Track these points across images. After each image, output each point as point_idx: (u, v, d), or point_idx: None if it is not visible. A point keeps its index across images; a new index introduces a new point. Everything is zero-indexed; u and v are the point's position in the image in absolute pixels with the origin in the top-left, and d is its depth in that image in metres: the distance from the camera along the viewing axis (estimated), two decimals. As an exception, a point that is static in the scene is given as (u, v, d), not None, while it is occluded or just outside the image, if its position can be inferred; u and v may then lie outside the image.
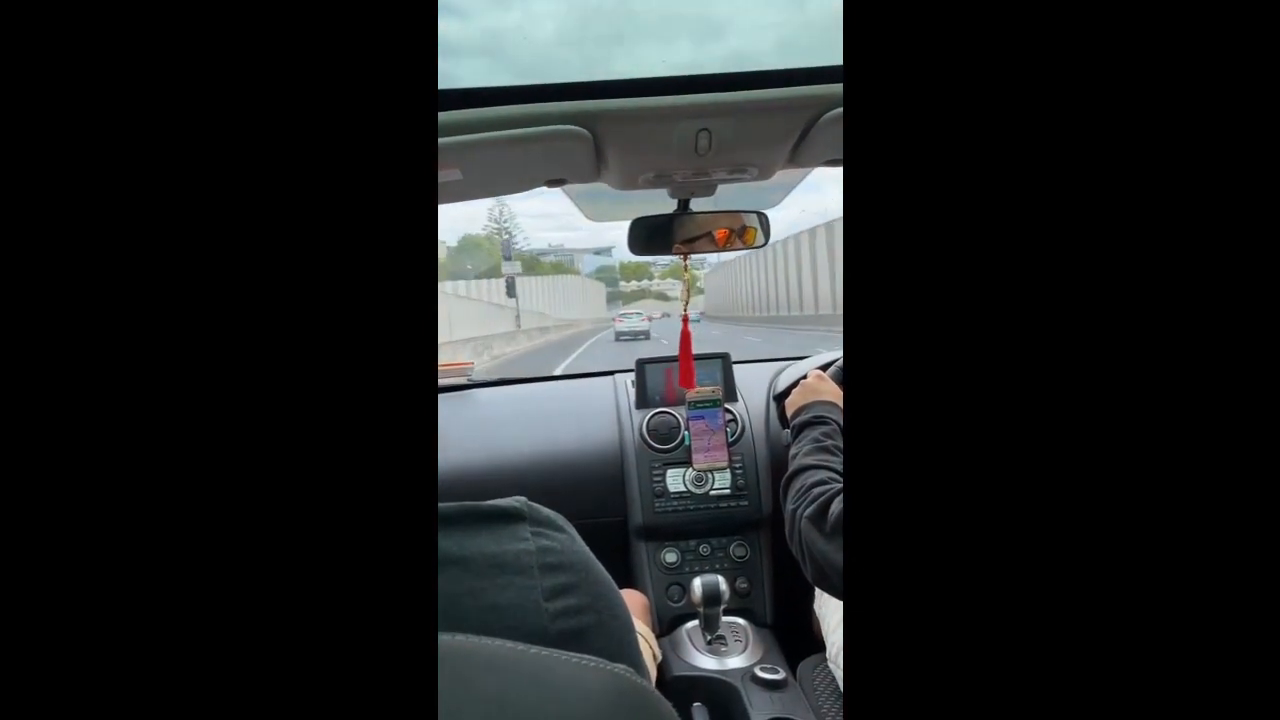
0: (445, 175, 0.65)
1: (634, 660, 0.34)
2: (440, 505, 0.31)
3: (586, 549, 0.35)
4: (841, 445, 0.85)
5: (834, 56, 0.60)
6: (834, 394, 0.94)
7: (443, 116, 0.58)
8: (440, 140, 0.59)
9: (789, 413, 0.95)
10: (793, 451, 0.87)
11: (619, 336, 22.62)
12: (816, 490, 0.76)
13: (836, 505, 0.73)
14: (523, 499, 0.34)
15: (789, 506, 0.79)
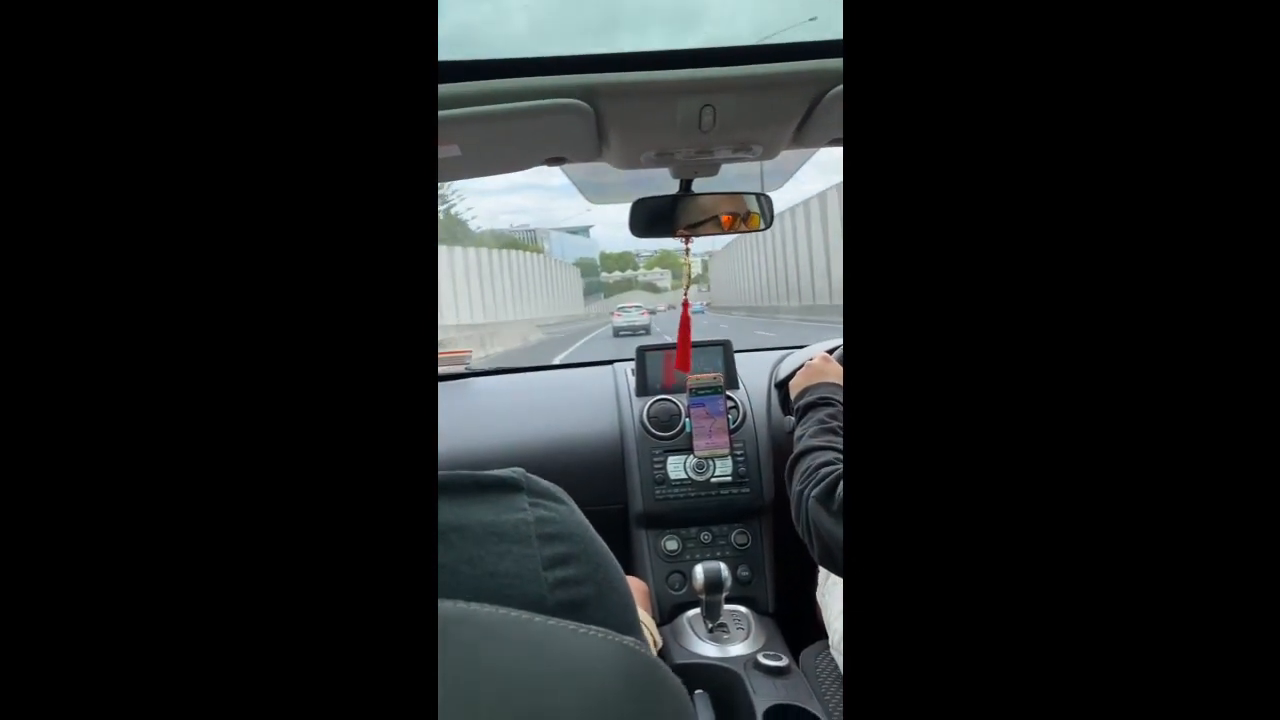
0: (443, 151, 0.64)
1: (633, 631, 0.33)
2: (438, 474, 0.31)
3: (585, 521, 0.34)
4: None
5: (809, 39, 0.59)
6: (839, 375, 0.93)
7: (441, 89, 0.57)
8: (438, 114, 0.57)
9: (793, 394, 0.94)
10: (798, 433, 0.86)
11: (617, 332, 21.91)
12: (824, 471, 0.75)
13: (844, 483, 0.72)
14: (520, 470, 0.34)
15: (795, 487, 0.78)
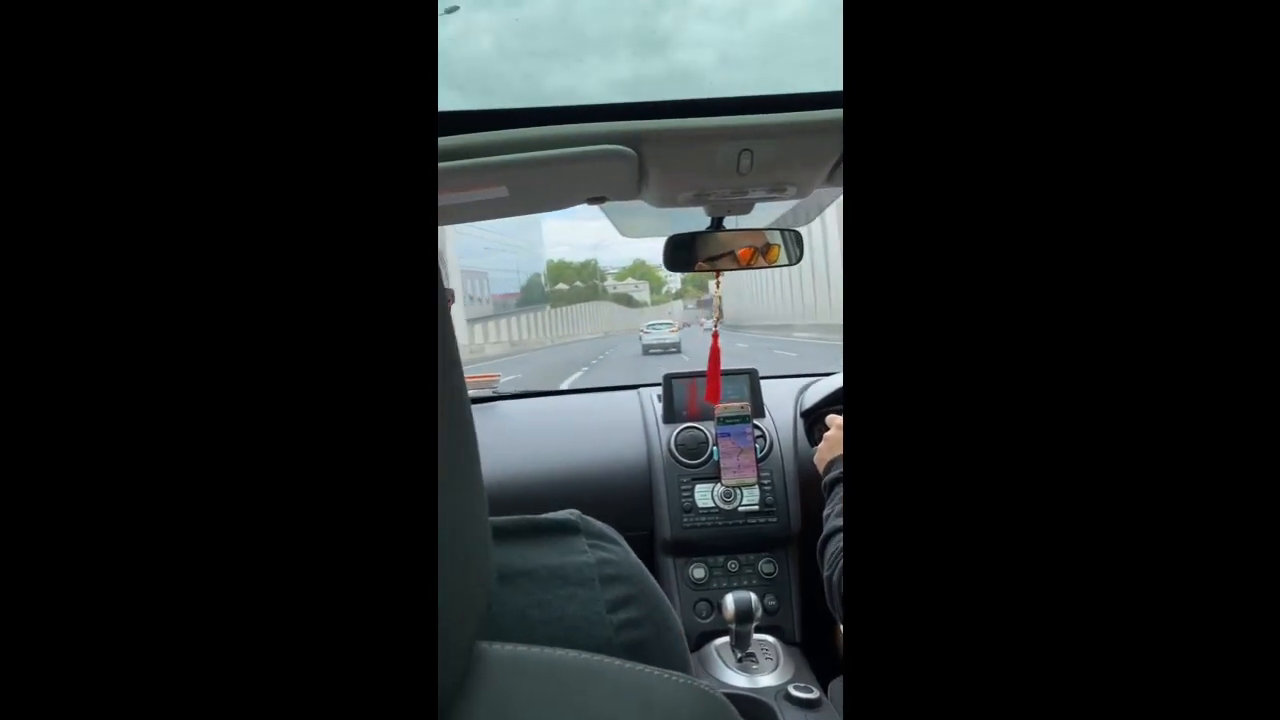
0: (491, 193, 0.66)
1: (689, 670, 0.34)
2: (499, 518, 0.32)
3: (639, 561, 0.35)
4: None
5: (773, 69, 0.60)
6: None
7: (490, 135, 0.60)
8: (488, 159, 0.60)
9: (819, 469, 0.95)
10: (825, 511, 0.87)
11: (647, 350, 20.53)
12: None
13: None
14: (576, 511, 0.35)
15: (824, 573, 0.79)
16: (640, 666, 0.27)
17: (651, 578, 0.35)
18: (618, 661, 0.26)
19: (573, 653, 0.26)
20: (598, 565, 0.32)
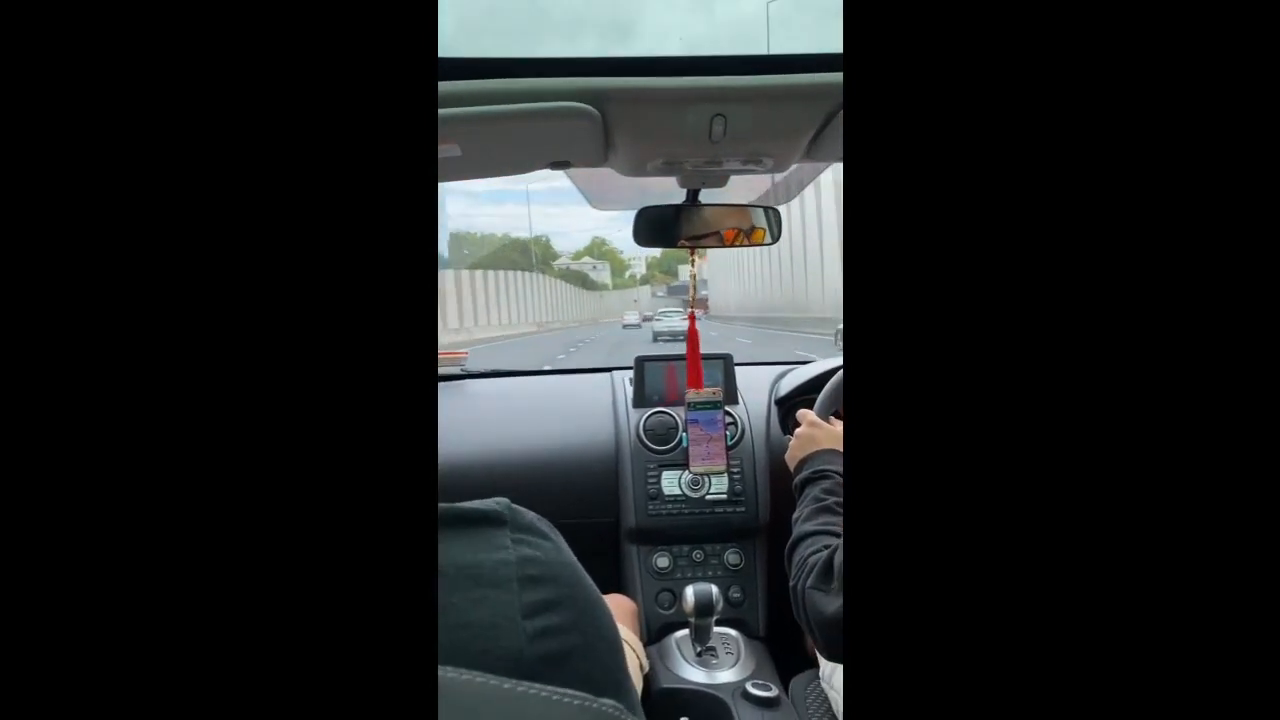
0: (443, 151, 0.61)
1: (620, 686, 0.31)
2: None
3: (573, 558, 0.32)
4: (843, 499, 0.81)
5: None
6: (831, 438, 0.89)
7: (442, 87, 0.55)
8: (438, 111, 0.55)
9: (790, 467, 0.91)
10: (795, 514, 0.83)
11: (657, 337, 21.02)
12: (813, 559, 0.73)
13: (838, 557, 0.69)
14: (504, 500, 0.31)
15: (791, 581, 0.76)
16: (532, 688, 0.23)
17: (586, 578, 0.31)
18: (500, 682, 0.23)
19: (452, 671, 0.22)
20: (519, 564, 0.28)
